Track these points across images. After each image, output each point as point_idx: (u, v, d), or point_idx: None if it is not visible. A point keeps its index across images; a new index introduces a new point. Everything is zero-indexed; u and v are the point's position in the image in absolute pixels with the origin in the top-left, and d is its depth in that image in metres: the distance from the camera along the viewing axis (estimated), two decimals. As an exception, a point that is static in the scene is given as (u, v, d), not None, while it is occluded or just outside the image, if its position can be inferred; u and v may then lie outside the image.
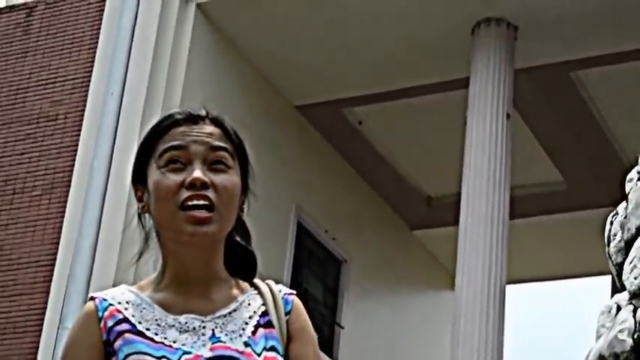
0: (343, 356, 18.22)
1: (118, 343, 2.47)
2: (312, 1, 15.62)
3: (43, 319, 14.72)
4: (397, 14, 15.57)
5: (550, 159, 18.27)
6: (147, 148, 2.62)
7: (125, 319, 2.50)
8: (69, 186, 15.48)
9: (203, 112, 2.65)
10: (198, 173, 2.51)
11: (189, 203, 2.50)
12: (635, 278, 4.68)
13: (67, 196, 15.42)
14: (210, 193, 2.50)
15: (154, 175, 2.57)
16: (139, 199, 2.63)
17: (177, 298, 2.55)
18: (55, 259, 15.01)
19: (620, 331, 4.54)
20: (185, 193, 2.50)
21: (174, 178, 2.52)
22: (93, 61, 16.35)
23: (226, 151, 2.59)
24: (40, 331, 14.66)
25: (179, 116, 2.63)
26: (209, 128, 2.62)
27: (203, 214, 2.49)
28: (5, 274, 15.51)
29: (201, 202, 2.50)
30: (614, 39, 15.48)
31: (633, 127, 15.96)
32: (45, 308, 14.78)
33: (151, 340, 2.46)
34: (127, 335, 2.47)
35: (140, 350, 2.44)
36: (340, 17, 15.78)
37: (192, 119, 2.62)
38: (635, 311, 4.58)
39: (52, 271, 15.01)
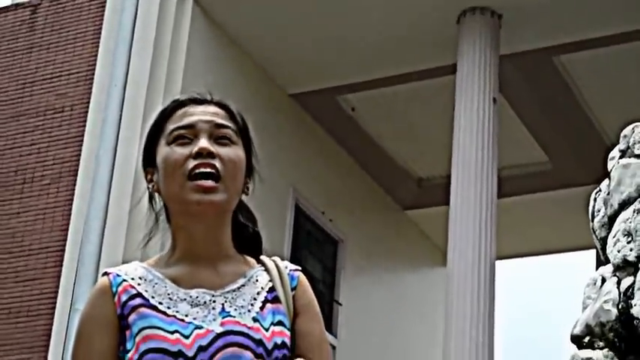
0: (342, 332, 18.26)
1: (132, 318, 2.48)
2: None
3: (55, 303, 14.76)
4: (386, 5, 15.61)
5: (535, 140, 18.32)
6: (155, 130, 2.66)
7: (138, 294, 2.51)
8: (76, 175, 15.50)
9: (208, 97, 2.68)
10: (204, 143, 2.53)
11: (197, 171, 2.52)
12: (619, 251, 4.71)
13: (75, 184, 15.45)
14: (216, 162, 2.51)
15: (162, 151, 2.60)
16: (149, 181, 2.64)
17: (187, 273, 2.56)
18: (64, 245, 15.05)
19: (605, 301, 4.57)
20: (192, 163, 2.52)
21: (182, 151, 2.55)
22: (96, 55, 16.36)
23: (230, 128, 2.60)
24: (53, 313, 14.70)
25: (184, 99, 2.67)
26: (213, 109, 2.65)
27: (209, 183, 2.51)
28: (17, 260, 15.55)
29: (208, 170, 2.51)
30: (595, 24, 15.51)
31: (614, 107, 16.00)
32: (56, 292, 14.82)
33: (164, 313, 2.48)
34: (141, 309, 2.48)
35: (154, 324, 2.45)
36: (332, 8, 15.80)
37: (197, 101, 2.65)
38: (618, 283, 4.61)
39: (62, 256, 15.04)
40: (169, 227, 2.64)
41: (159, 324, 2.45)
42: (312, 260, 17.97)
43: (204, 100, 2.68)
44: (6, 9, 18.19)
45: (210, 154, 2.53)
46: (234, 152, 2.58)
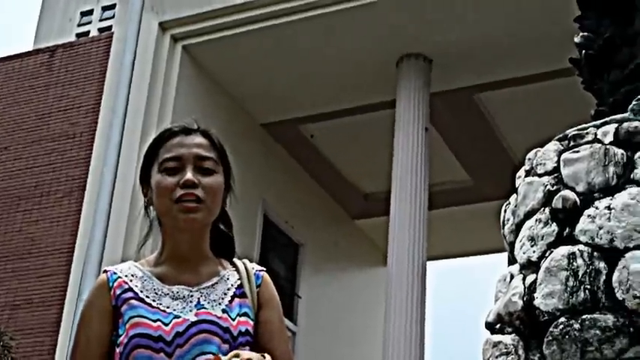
0: (301, 320, 18.20)
1: (123, 308, 2.50)
2: (274, 44, 15.66)
3: (65, 295, 14.67)
4: (340, 52, 15.65)
5: (459, 162, 18.38)
6: (150, 155, 2.65)
7: (130, 289, 2.52)
8: (84, 190, 15.41)
9: (195, 126, 2.67)
10: (189, 175, 2.53)
11: (183, 199, 2.51)
12: (524, 253, 4.74)
13: (83, 197, 15.35)
14: (198, 191, 2.52)
15: (155, 176, 2.59)
16: (145, 195, 2.65)
17: (171, 272, 2.56)
18: (74, 247, 14.96)
19: (513, 294, 4.59)
20: (179, 192, 2.52)
21: (171, 180, 2.54)
22: (102, 92, 16.30)
23: (211, 159, 2.60)
24: (63, 304, 14.62)
25: (176, 129, 2.66)
26: (199, 139, 2.62)
27: (192, 204, 2.51)
28: (36, 259, 15.45)
29: (191, 199, 2.51)
30: (506, 68, 15.61)
31: (521, 135, 16.08)
32: (66, 286, 14.72)
33: (149, 305, 2.49)
34: (132, 301, 2.50)
35: (141, 314, 2.47)
36: (294, 55, 15.83)
37: (186, 131, 2.64)
38: (524, 279, 4.63)
39: (71, 256, 14.94)
40: (161, 231, 2.64)
41: (145, 314, 2.46)
42: (277, 260, 17.92)
43: (192, 130, 2.66)
44: (28, 53, 18.10)
45: (194, 185, 2.53)
46: (214, 180, 2.58)
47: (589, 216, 4.49)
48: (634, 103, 4.88)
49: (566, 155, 4.76)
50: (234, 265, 2.69)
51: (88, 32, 19.84)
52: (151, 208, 2.66)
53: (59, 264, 15.18)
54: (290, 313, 17.55)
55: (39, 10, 21.73)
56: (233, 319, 2.51)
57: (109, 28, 18.86)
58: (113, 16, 19.25)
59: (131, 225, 13.84)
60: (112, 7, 19.81)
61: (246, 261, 2.73)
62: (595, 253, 4.37)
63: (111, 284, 2.54)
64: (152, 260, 2.64)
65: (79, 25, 21.18)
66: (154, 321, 2.46)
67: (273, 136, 17.95)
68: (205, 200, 2.55)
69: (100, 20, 20.69)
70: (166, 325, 2.45)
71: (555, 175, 4.77)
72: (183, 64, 16.13)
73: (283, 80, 16.47)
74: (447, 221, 19.31)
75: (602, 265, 4.33)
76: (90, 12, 21.20)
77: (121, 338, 2.46)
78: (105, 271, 2.61)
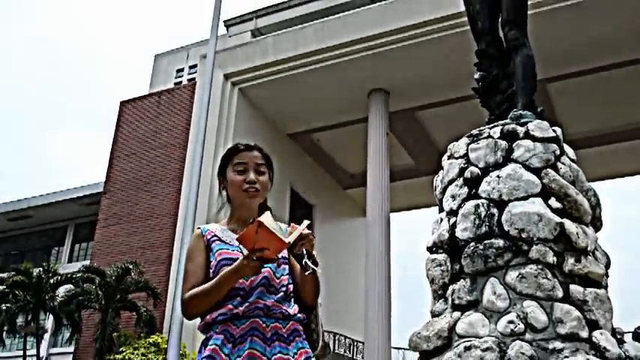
0: (316, 253, 18.20)
1: (212, 245, 2.49)
2: (294, 84, 15.69)
3: (173, 240, 14.75)
4: (335, 89, 15.66)
5: (407, 152, 18.40)
6: (226, 159, 2.65)
7: (215, 235, 2.54)
8: (182, 177, 15.49)
9: (252, 144, 2.67)
10: (252, 176, 2.54)
11: (248, 190, 2.52)
12: (449, 205, 4.74)
13: (181, 181, 15.42)
14: (257, 185, 2.53)
15: (230, 174, 2.58)
16: (220, 182, 2.65)
17: (238, 227, 2.57)
18: (177, 211, 15.07)
19: (443, 230, 4.60)
20: (245, 186, 2.53)
21: (240, 177, 2.54)
22: (190, 119, 16.33)
23: (264, 165, 2.61)
24: (172, 246, 14.69)
25: (242, 147, 2.65)
26: (256, 153, 2.62)
27: (253, 193, 2.52)
28: (156, 219, 15.52)
29: (252, 190, 2.52)
30: (433, 95, 15.60)
31: (444, 135, 16.08)
32: (174, 235, 14.79)
33: (228, 244, 2.50)
34: (217, 241, 2.50)
35: (223, 247, 2.48)
36: (307, 91, 15.85)
37: (249, 148, 2.64)
38: (449, 221, 4.64)
39: (176, 217, 15.02)
40: (230, 206, 2.64)
41: (224, 247, 2.47)
42: (300, 215, 17.97)
43: (252, 147, 2.67)
44: (145, 96, 18.11)
45: (254, 182, 2.55)
46: (265, 178, 2.58)
47: (486, 182, 4.51)
48: (511, 114, 4.90)
49: (471, 146, 4.77)
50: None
51: (181, 82, 19.87)
52: (224, 192, 2.67)
53: (168, 222, 15.25)
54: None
55: (151, 69, 21.71)
56: None
57: (194, 79, 18.90)
58: (196, 71, 19.31)
59: (211, 198, 13.95)
60: (195, 66, 19.84)
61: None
62: (491, 204, 4.39)
63: (203, 233, 2.55)
64: (226, 222, 2.66)
65: (176, 77, 21.20)
66: (232, 251, 2.47)
67: (295, 141, 17.98)
68: (260, 190, 2.57)
69: (188, 74, 20.71)
70: (241, 252, 2.47)
71: (466, 158, 4.78)
72: (239, 99, 16.15)
73: (300, 106, 16.48)
74: (401, 189, 19.34)
75: (495, 210, 4.36)
76: (182, 69, 21.21)
77: (212, 262, 2.47)
78: (199, 228, 2.63)
